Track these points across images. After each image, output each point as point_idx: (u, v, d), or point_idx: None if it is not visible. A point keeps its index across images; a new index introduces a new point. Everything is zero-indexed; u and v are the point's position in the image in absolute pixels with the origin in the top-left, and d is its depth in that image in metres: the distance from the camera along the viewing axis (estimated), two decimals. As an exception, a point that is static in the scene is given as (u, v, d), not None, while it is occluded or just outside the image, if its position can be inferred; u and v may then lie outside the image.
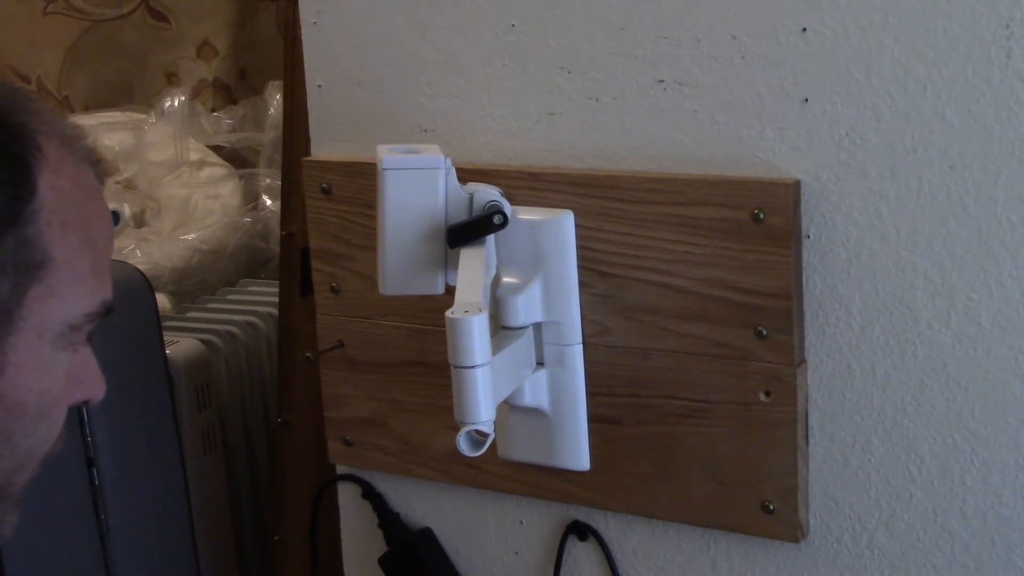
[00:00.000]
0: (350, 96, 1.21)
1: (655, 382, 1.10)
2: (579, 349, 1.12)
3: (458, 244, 1.06)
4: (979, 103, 0.95)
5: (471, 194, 1.07)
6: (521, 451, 1.16)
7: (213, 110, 2.38)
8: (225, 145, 2.23)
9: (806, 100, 1.01)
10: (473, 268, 1.03)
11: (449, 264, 1.07)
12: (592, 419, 1.13)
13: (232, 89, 2.46)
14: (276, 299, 1.66)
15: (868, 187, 1.00)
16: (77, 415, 1.29)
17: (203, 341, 1.65)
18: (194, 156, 2.11)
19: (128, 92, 2.37)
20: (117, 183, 2.00)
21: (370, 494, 1.30)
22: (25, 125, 0.74)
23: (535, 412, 1.13)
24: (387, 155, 1.04)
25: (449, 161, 1.05)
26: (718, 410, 1.08)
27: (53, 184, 0.74)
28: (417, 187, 1.05)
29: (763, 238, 1.02)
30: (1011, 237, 0.96)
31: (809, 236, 1.03)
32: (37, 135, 0.74)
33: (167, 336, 1.51)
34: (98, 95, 2.34)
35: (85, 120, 1.89)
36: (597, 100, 1.09)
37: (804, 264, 1.04)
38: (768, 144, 1.03)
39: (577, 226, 1.10)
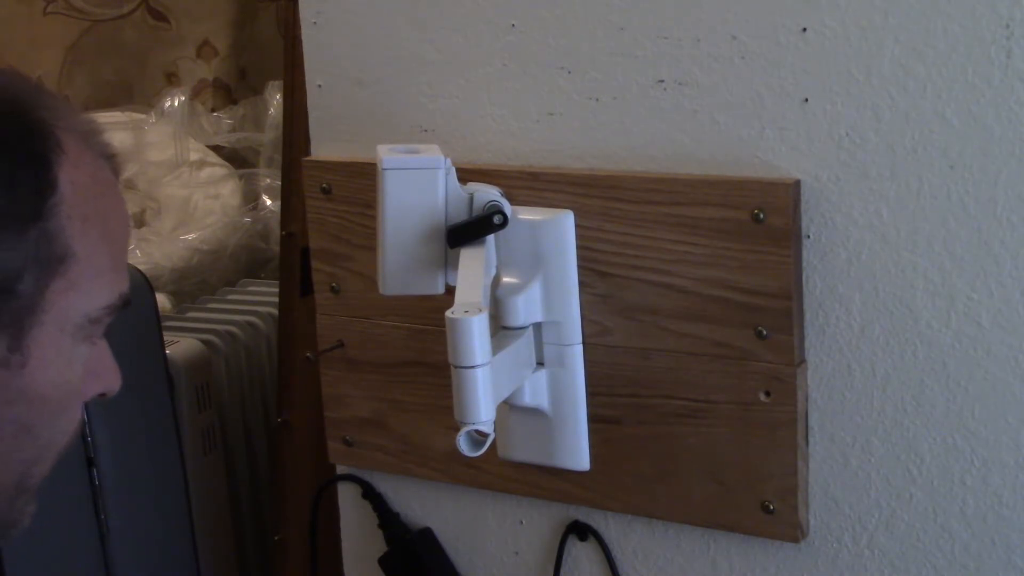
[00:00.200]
0: (350, 96, 1.21)
1: (655, 382, 1.10)
2: (579, 349, 1.12)
3: (458, 244, 1.06)
4: (979, 103, 0.95)
5: (471, 194, 1.07)
6: (521, 451, 1.16)
7: (213, 110, 2.38)
8: (225, 145, 2.24)
9: (806, 100, 1.01)
10: (473, 268, 1.03)
11: (449, 264, 1.07)
12: (592, 419, 1.13)
13: (232, 89, 2.46)
14: (276, 299, 1.66)
15: (868, 187, 1.00)
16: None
17: (203, 341, 1.66)
18: (194, 156, 2.11)
19: (128, 92, 2.37)
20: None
21: (370, 494, 1.30)
22: (45, 121, 0.75)
23: (535, 412, 1.13)
24: (387, 155, 1.04)
25: (449, 161, 1.05)
26: (718, 410, 1.08)
27: (73, 179, 0.75)
28: (417, 187, 1.05)
29: (763, 238, 1.02)
30: (1011, 237, 0.96)
31: (809, 236, 1.03)
32: (56, 131, 0.75)
33: (167, 336, 1.51)
34: (98, 95, 2.34)
35: (85, 120, 1.89)
36: (597, 100, 1.09)
37: (804, 264, 1.04)
38: (768, 144, 1.03)
39: (577, 226, 1.10)
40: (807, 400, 1.06)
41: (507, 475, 1.19)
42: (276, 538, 1.63)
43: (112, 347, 0.80)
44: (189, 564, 1.47)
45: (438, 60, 1.16)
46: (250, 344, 1.76)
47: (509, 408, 1.13)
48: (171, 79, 2.39)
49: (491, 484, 1.21)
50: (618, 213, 1.08)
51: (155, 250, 1.91)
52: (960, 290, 0.99)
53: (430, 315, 1.16)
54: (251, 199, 2.10)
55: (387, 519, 1.29)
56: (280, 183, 1.70)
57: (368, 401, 1.25)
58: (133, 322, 1.33)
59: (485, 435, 0.98)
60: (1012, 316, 0.98)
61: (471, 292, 1.00)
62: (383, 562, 1.29)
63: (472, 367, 0.96)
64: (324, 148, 1.24)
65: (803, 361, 1.05)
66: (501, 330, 1.09)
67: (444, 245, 1.06)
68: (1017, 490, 1.01)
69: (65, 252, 0.74)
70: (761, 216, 1.02)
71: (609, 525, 1.19)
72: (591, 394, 1.13)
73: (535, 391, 1.12)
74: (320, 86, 1.22)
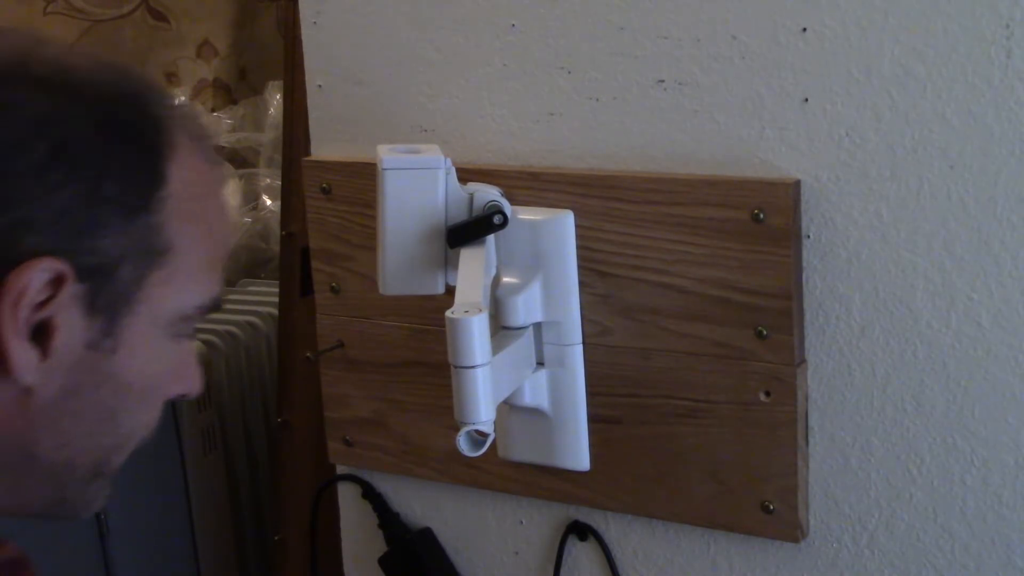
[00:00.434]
0: (350, 96, 1.21)
1: (655, 382, 1.10)
2: (579, 349, 1.12)
3: (458, 244, 1.06)
4: (979, 103, 0.95)
5: (471, 194, 1.07)
6: (521, 451, 1.16)
7: (213, 110, 2.38)
8: (225, 145, 2.23)
9: (806, 100, 1.01)
10: (473, 268, 1.03)
11: (449, 264, 1.07)
12: (592, 419, 1.13)
13: (232, 89, 2.46)
14: (276, 299, 1.66)
15: (868, 187, 1.00)
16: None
17: (203, 341, 1.66)
18: (194, 156, 2.10)
19: (128, 92, 2.37)
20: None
21: (370, 494, 1.30)
22: (162, 118, 0.77)
23: (535, 412, 1.13)
24: (387, 155, 1.04)
25: (449, 161, 1.05)
26: (718, 410, 1.08)
27: (182, 177, 0.76)
28: (417, 187, 1.05)
29: (763, 238, 1.02)
30: (1011, 237, 0.96)
31: (809, 236, 1.03)
32: (172, 129, 0.77)
33: (167, 336, 1.51)
34: (98, 95, 2.33)
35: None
36: (597, 100, 1.09)
37: (804, 264, 1.04)
38: (768, 144, 1.03)
39: (577, 226, 1.10)
40: (807, 400, 1.06)
41: (507, 475, 1.19)
42: (276, 538, 1.63)
43: None
44: (189, 564, 1.47)
45: (438, 60, 1.16)
46: (250, 344, 1.76)
47: (509, 408, 1.13)
48: (171, 79, 2.39)
49: (491, 484, 1.21)
50: (618, 213, 1.08)
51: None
52: (960, 290, 0.99)
53: (430, 315, 1.16)
54: (251, 199, 2.10)
55: (387, 519, 1.29)
56: (280, 183, 1.70)
57: (368, 401, 1.25)
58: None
59: (485, 435, 0.98)
60: (1012, 316, 0.98)
61: (471, 292, 1.00)
62: (383, 562, 1.29)
63: (472, 367, 0.96)
64: (324, 148, 1.24)
65: (803, 361, 1.05)
66: (501, 330, 1.09)
67: (444, 245, 1.06)
68: (1017, 490, 1.01)
69: (167, 246, 0.76)
70: (761, 216, 1.02)
71: (609, 525, 1.19)
72: (591, 394, 1.13)
73: (535, 391, 1.12)
74: (320, 86, 1.22)
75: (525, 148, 1.14)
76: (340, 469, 1.32)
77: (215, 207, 0.81)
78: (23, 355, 0.71)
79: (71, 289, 0.71)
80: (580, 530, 1.20)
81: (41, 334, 0.72)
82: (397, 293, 1.09)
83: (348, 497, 1.33)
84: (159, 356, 0.78)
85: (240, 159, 2.24)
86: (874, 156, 0.99)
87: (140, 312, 0.75)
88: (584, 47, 1.09)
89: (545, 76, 1.11)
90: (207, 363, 1.63)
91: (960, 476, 1.03)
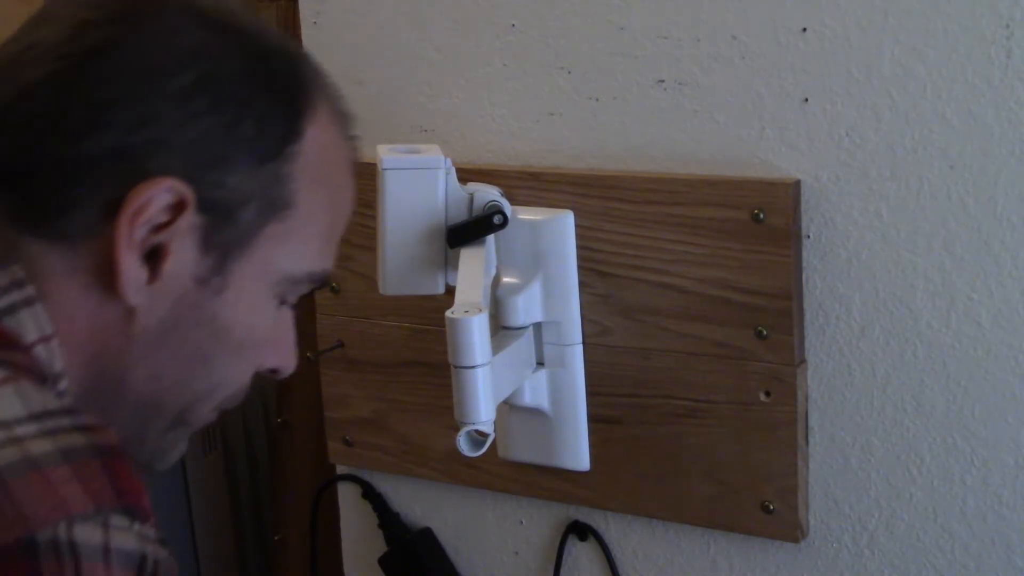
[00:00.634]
0: (350, 96, 1.20)
1: (655, 382, 1.10)
2: (579, 349, 1.12)
3: (458, 244, 1.06)
4: (979, 103, 0.95)
5: (471, 194, 1.07)
6: (521, 451, 1.16)
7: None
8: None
9: (806, 100, 1.01)
10: (473, 268, 1.03)
11: (449, 264, 1.07)
12: (592, 419, 1.13)
13: (232, 89, 2.45)
14: (276, 299, 1.66)
15: (868, 187, 1.00)
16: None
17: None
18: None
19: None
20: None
21: (370, 494, 1.30)
22: (309, 79, 0.79)
23: (535, 412, 1.13)
24: (387, 155, 1.05)
25: (449, 161, 1.05)
26: (718, 410, 1.08)
27: (317, 139, 0.77)
28: (417, 187, 1.05)
29: (763, 238, 1.02)
30: (1011, 237, 0.96)
31: (809, 236, 1.03)
32: (315, 93, 0.78)
33: (167, 336, 1.51)
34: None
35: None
36: (597, 100, 1.09)
37: (804, 264, 1.04)
38: (768, 144, 1.03)
39: (577, 226, 1.10)
40: (807, 400, 1.06)
41: (507, 475, 1.19)
42: (276, 538, 1.63)
43: None
44: (189, 564, 1.47)
45: (438, 60, 1.16)
46: (250, 344, 1.76)
47: (509, 408, 1.13)
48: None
49: (491, 484, 1.21)
50: (618, 213, 1.08)
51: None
52: (960, 290, 0.99)
53: (430, 315, 1.16)
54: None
55: (387, 519, 1.29)
56: (280, 183, 1.69)
57: (368, 401, 1.25)
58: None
59: (485, 435, 0.98)
60: (1012, 316, 0.98)
61: (471, 292, 1.00)
62: (383, 562, 1.29)
63: (472, 367, 0.96)
64: (324, 148, 1.24)
65: (803, 361, 1.05)
66: (501, 330, 1.09)
67: (444, 245, 1.06)
68: (1017, 490, 1.01)
69: (290, 201, 0.76)
70: (761, 216, 1.02)
71: (609, 525, 1.19)
72: (591, 394, 1.12)
73: (535, 391, 1.12)
74: (320, 86, 1.22)
75: (525, 148, 1.14)
76: (340, 469, 1.32)
77: (342, 181, 0.81)
78: (133, 272, 0.71)
79: (190, 218, 0.72)
80: (580, 530, 1.20)
81: (153, 257, 0.72)
82: (397, 293, 1.09)
83: (348, 497, 1.33)
84: (261, 311, 0.78)
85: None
86: (874, 156, 0.99)
87: (252, 260, 0.75)
88: (584, 47, 1.09)
89: (545, 76, 1.11)
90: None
91: (960, 476, 1.03)
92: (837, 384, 1.05)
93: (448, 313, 0.97)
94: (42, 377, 0.69)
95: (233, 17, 0.76)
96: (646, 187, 1.07)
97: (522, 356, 1.09)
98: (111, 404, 0.74)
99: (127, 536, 0.61)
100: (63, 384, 0.71)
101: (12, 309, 0.70)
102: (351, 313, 1.23)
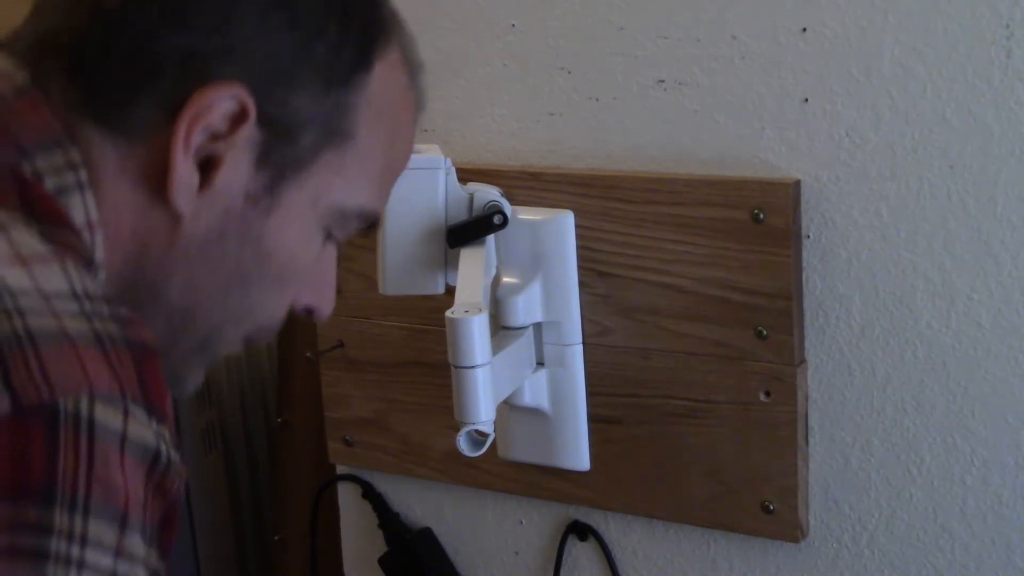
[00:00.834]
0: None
1: (655, 382, 1.10)
2: (579, 349, 1.12)
3: (458, 244, 1.06)
4: (979, 103, 0.95)
5: (471, 194, 1.07)
6: (521, 451, 1.16)
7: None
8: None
9: (806, 100, 1.01)
10: (473, 268, 1.03)
11: (449, 264, 1.07)
12: (592, 419, 1.13)
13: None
14: (276, 299, 1.66)
15: (868, 187, 1.00)
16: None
17: (203, 341, 1.65)
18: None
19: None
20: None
21: (370, 494, 1.30)
22: (387, 19, 0.78)
23: (535, 412, 1.13)
24: (387, 155, 1.04)
25: (449, 161, 1.05)
26: (718, 410, 1.08)
27: (385, 77, 0.77)
28: (417, 187, 1.05)
29: (763, 238, 1.02)
30: (1011, 237, 0.96)
31: (809, 236, 1.03)
32: (392, 34, 0.78)
33: (167, 336, 1.51)
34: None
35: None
36: (597, 100, 1.09)
37: (804, 264, 1.04)
38: (768, 144, 1.03)
39: (577, 226, 1.10)
40: (807, 400, 1.06)
41: (507, 475, 1.19)
42: (276, 538, 1.63)
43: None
44: (189, 564, 1.47)
45: (438, 60, 1.16)
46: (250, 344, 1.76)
47: (509, 408, 1.13)
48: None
49: (491, 484, 1.21)
50: (618, 213, 1.08)
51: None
52: (960, 290, 0.99)
53: (430, 315, 1.16)
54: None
55: (387, 519, 1.29)
56: (280, 183, 1.69)
57: (368, 401, 1.25)
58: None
59: (485, 435, 0.98)
60: (1012, 316, 0.98)
61: (471, 292, 1.00)
62: (383, 562, 1.29)
63: (472, 367, 0.96)
64: (324, 148, 1.24)
65: (803, 361, 1.05)
66: (501, 330, 1.09)
67: (444, 245, 1.06)
68: (1017, 490, 1.01)
69: (350, 132, 0.76)
70: (761, 216, 1.02)
71: (609, 525, 1.19)
72: (591, 394, 1.12)
73: (535, 391, 1.12)
74: (320, 86, 1.22)
75: (525, 148, 1.14)
76: (340, 469, 1.32)
77: (404, 124, 0.81)
78: (185, 176, 0.70)
79: (249, 131, 0.71)
80: (580, 530, 1.20)
81: (207, 166, 0.71)
82: (397, 293, 1.09)
83: (348, 497, 1.33)
84: (307, 241, 0.77)
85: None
86: (874, 156, 0.99)
87: (305, 186, 0.75)
88: (584, 47, 1.09)
89: (545, 76, 1.11)
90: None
91: (960, 476, 1.03)
92: (837, 384, 1.05)
93: (448, 313, 0.97)
94: (88, 261, 0.68)
95: None
96: (646, 187, 1.07)
97: (522, 356, 1.09)
98: (144, 309, 0.72)
99: (145, 430, 0.61)
100: (101, 276, 0.70)
101: (65, 190, 0.69)
102: (351, 313, 1.23)
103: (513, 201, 1.09)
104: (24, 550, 0.56)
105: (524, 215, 1.09)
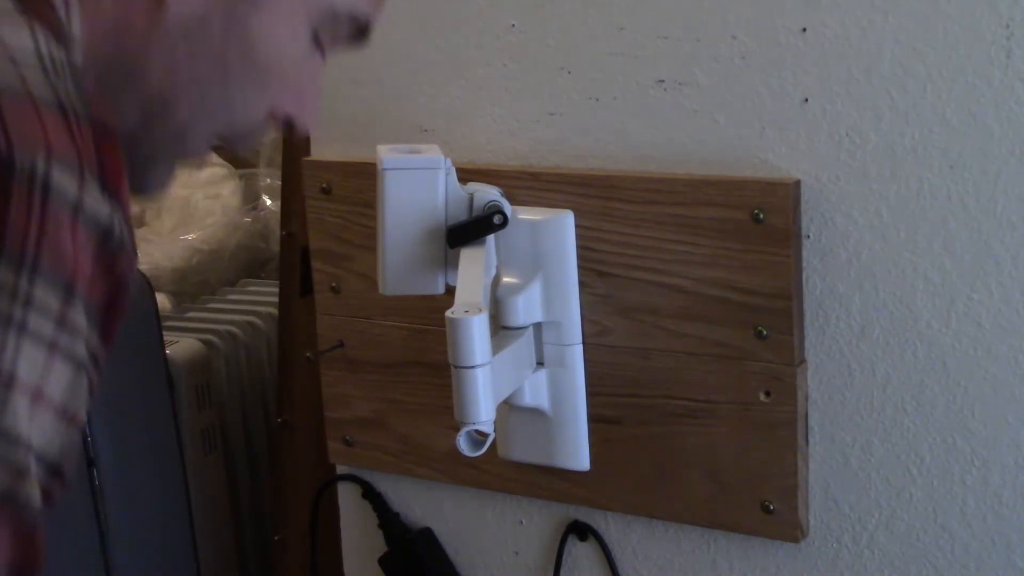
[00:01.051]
0: (350, 96, 1.21)
1: (655, 382, 1.10)
2: (579, 349, 1.12)
3: (458, 244, 1.06)
4: (979, 103, 0.95)
5: (471, 194, 1.07)
6: (521, 451, 1.16)
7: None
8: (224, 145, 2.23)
9: (806, 100, 1.01)
10: (473, 268, 1.03)
11: (449, 264, 1.07)
12: (592, 419, 1.13)
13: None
14: (276, 299, 1.66)
15: (868, 187, 1.00)
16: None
17: (203, 341, 1.65)
18: (194, 155, 2.10)
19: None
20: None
21: (370, 494, 1.30)
22: None
23: (535, 412, 1.13)
24: (387, 155, 1.04)
25: (449, 161, 1.05)
26: (718, 410, 1.08)
27: None
28: (417, 187, 1.05)
29: (763, 238, 1.02)
30: (1011, 237, 0.96)
31: (809, 236, 1.03)
32: None
33: (167, 336, 1.51)
34: (98, 95, 2.33)
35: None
36: (597, 100, 1.09)
37: (804, 264, 1.04)
38: (768, 144, 1.03)
39: (577, 226, 1.10)
40: (807, 400, 1.06)
41: (507, 475, 1.19)
42: (276, 538, 1.63)
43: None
44: (189, 564, 1.47)
45: (438, 60, 1.16)
46: (250, 344, 1.76)
47: (509, 408, 1.13)
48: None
49: (491, 484, 1.21)
50: (618, 213, 1.08)
51: (155, 250, 1.91)
52: (960, 290, 0.99)
53: (430, 315, 1.16)
54: (251, 199, 2.10)
55: (387, 519, 1.29)
56: (280, 183, 1.70)
57: (368, 401, 1.25)
58: (133, 322, 1.33)
59: (485, 435, 0.98)
60: (1012, 316, 0.98)
61: (471, 292, 1.00)
62: (383, 562, 1.29)
63: (472, 367, 0.96)
64: (324, 148, 1.24)
65: (803, 361, 1.05)
66: (501, 330, 1.09)
67: (444, 245, 1.06)
68: (1017, 490, 1.01)
69: None
70: (761, 216, 1.02)
71: (609, 525, 1.19)
72: (591, 394, 1.12)
73: (535, 391, 1.12)
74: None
75: (525, 148, 1.14)
76: (340, 469, 1.32)
77: None
78: None
79: None
80: (580, 530, 1.20)
81: None
82: (397, 293, 1.09)
83: (348, 497, 1.33)
84: (292, 39, 0.75)
85: (240, 159, 2.23)
86: (874, 156, 0.99)
87: None
88: (584, 47, 1.09)
89: (545, 76, 1.11)
90: (207, 363, 1.63)
91: (960, 476, 1.03)
92: (837, 384, 1.05)
93: (448, 313, 0.97)
94: (58, 33, 0.65)
95: None
96: (646, 187, 1.07)
97: (522, 356, 1.09)
98: (121, 90, 0.71)
99: (100, 205, 0.58)
100: (76, 53, 0.68)
101: None
102: (351, 313, 1.23)
103: (513, 201, 1.09)
104: None
105: (524, 215, 1.09)
